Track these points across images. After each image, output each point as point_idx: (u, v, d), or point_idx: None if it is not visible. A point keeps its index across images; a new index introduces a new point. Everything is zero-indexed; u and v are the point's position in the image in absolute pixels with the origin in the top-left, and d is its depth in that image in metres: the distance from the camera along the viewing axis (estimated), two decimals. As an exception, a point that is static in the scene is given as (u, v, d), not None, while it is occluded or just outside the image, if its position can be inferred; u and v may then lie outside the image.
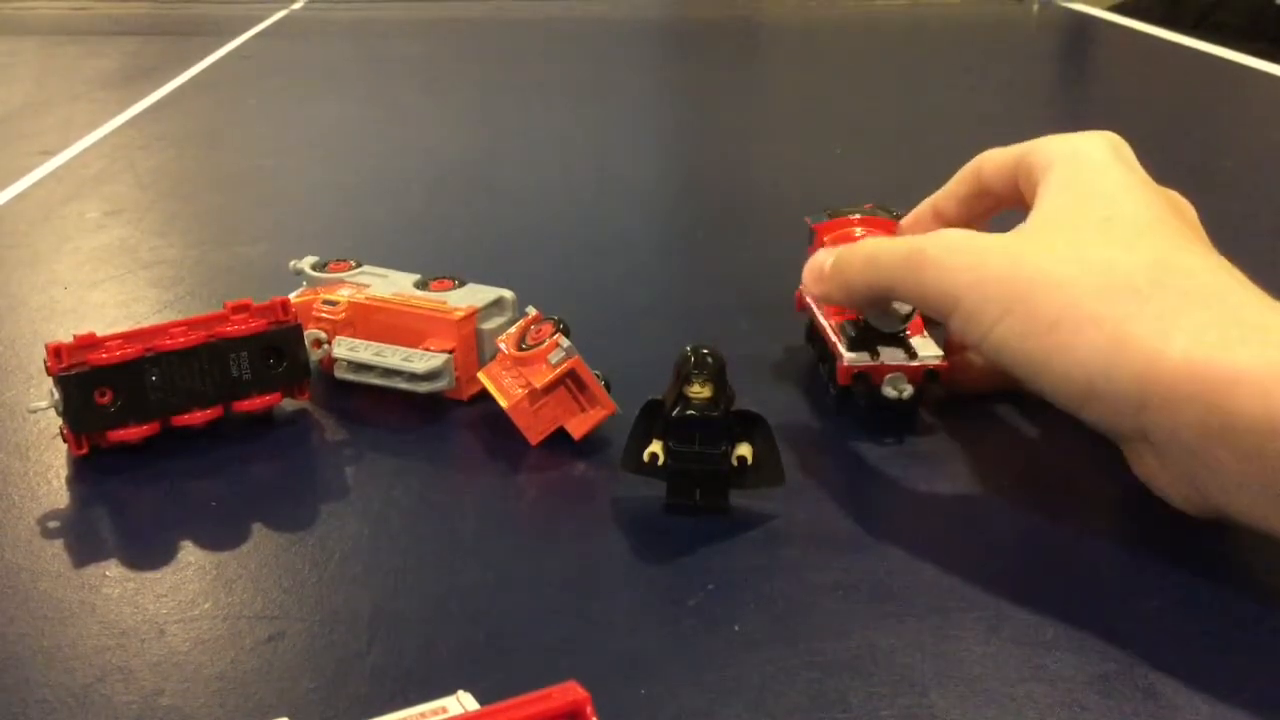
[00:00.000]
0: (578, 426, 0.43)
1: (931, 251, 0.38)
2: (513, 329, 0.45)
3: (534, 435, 0.43)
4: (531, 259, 0.67)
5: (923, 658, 0.32)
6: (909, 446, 0.43)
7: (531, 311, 0.45)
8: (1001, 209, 0.45)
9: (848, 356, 0.43)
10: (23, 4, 1.98)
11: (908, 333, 0.44)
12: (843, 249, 0.43)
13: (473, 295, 0.48)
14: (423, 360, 0.45)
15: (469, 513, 0.40)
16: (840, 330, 0.45)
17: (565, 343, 0.42)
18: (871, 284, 0.41)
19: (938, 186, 0.47)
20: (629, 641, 0.33)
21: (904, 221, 0.48)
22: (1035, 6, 1.82)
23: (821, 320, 0.47)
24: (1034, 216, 0.39)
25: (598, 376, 0.43)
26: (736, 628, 0.33)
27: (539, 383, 0.42)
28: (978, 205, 0.46)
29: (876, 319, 0.43)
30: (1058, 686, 0.31)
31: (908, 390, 0.43)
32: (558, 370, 0.42)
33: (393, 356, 0.45)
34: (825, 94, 1.20)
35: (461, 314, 0.46)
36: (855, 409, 0.44)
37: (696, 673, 0.31)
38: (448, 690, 0.27)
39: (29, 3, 2.00)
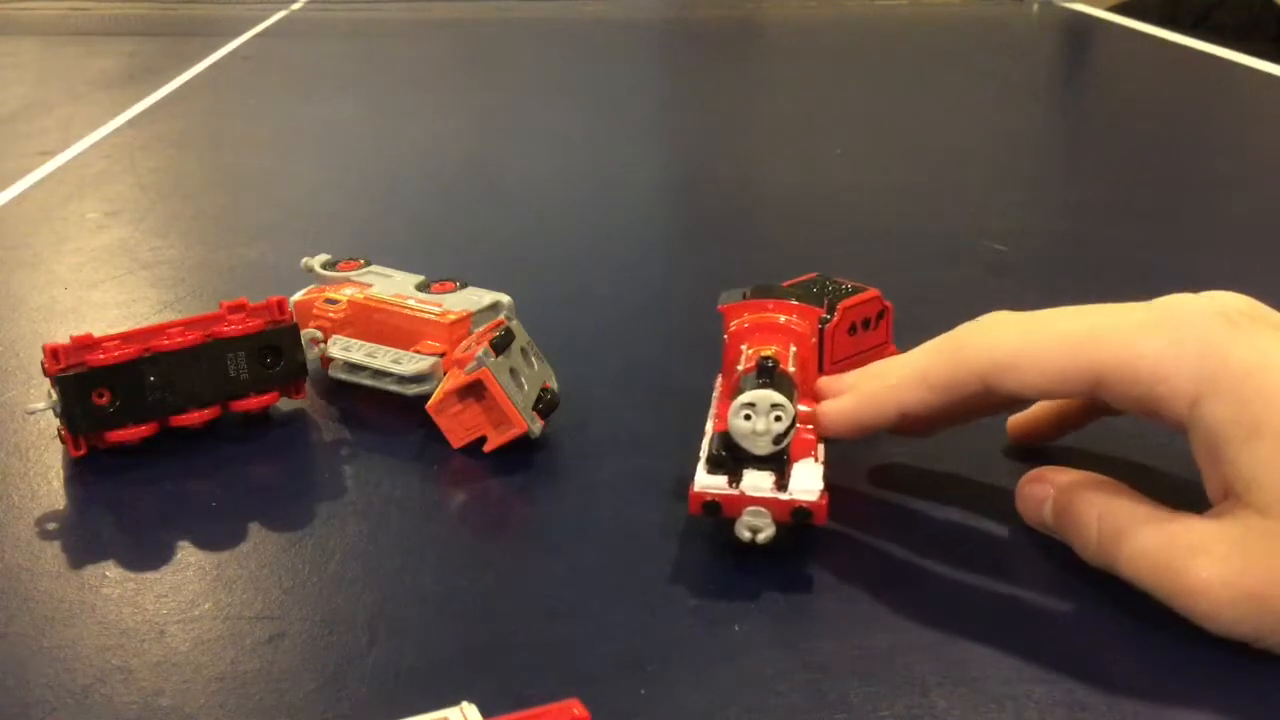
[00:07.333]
0: (491, 440, 0.42)
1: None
2: (484, 328, 0.45)
3: (453, 439, 0.43)
4: (531, 259, 0.67)
5: (923, 658, 0.32)
6: (909, 446, 0.43)
7: (502, 315, 0.45)
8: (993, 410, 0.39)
9: (700, 481, 0.35)
10: (23, 4, 1.98)
11: (789, 456, 0.36)
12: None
13: (470, 299, 0.48)
14: (411, 362, 0.45)
15: (469, 513, 0.40)
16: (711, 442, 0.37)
17: (481, 353, 0.41)
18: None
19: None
20: (629, 641, 0.33)
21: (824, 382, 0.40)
22: (1035, 6, 1.82)
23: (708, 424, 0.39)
24: (1244, 498, 0.31)
25: (546, 392, 0.42)
26: (736, 628, 0.33)
27: (449, 385, 0.42)
28: (962, 404, 0.37)
29: (744, 438, 0.35)
30: (1057, 686, 0.31)
31: (766, 531, 0.35)
32: (465, 379, 0.41)
33: (383, 358, 0.45)
34: (825, 94, 1.20)
35: (454, 318, 0.46)
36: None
37: (696, 673, 0.31)
38: (448, 690, 0.27)
39: (29, 3, 2.00)
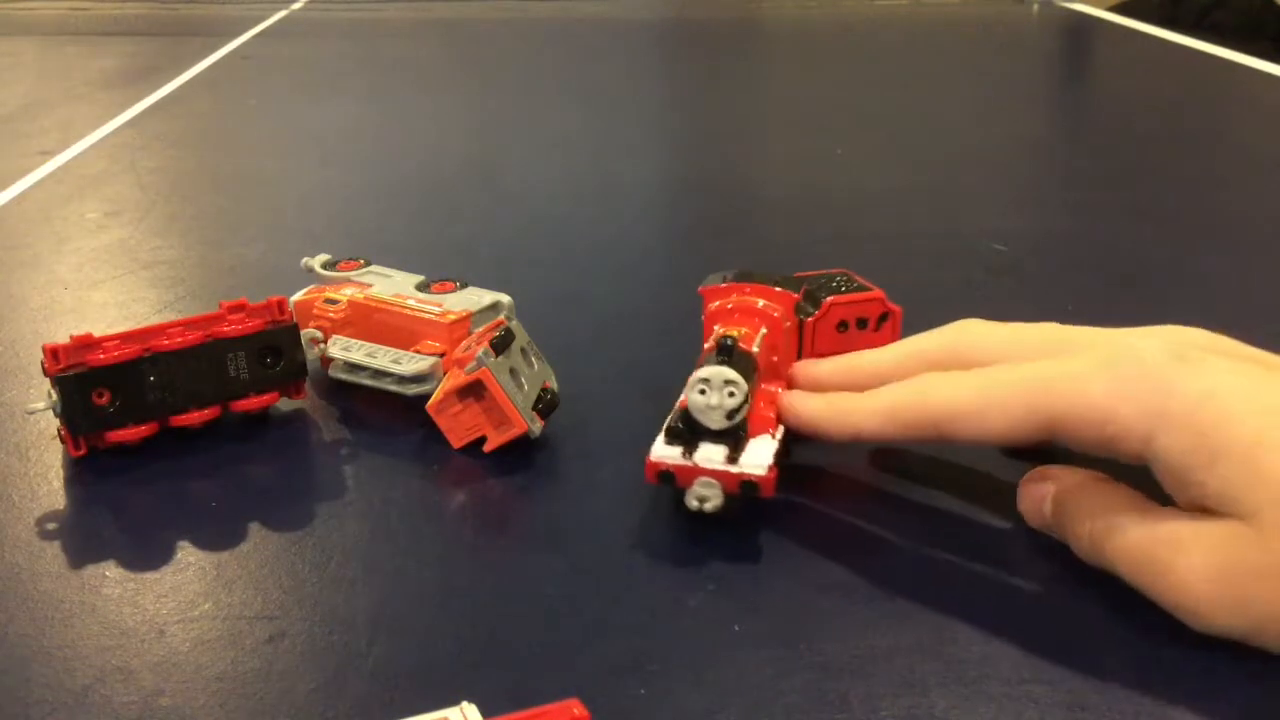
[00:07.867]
0: (491, 440, 0.42)
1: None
2: (484, 328, 0.45)
3: (453, 439, 0.43)
4: (531, 259, 0.67)
5: (923, 658, 0.32)
6: (909, 448, 0.43)
7: (502, 315, 0.45)
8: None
9: (656, 451, 0.37)
10: (23, 4, 1.98)
11: (746, 432, 0.37)
12: None
13: (470, 299, 0.48)
14: (411, 362, 0.45)
15: (468, 513, 0.40)
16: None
17: (481, 353, 0.41)
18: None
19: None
20: (629, 641, 0.33)
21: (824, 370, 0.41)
22: (1035, 6, 1.82)
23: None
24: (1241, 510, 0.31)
25: (546, 392, 0.43)
26: (736, 628, 0.33)
27: (449, 385, 0.42)
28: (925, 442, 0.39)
29: (700, 412, 0.37)
30: (1058, 687, 0.31)
31: (713, 501, 0.36)
32: (465, 379, 0.41)
33: (383, 358, 0.45)
34: (825, 94, 1.20)
35: (454, 318, 0.46)
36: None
37: (696, 673, 0.31)
38: (448, 690, 0.27)
39: (29, 3, 2.00)
